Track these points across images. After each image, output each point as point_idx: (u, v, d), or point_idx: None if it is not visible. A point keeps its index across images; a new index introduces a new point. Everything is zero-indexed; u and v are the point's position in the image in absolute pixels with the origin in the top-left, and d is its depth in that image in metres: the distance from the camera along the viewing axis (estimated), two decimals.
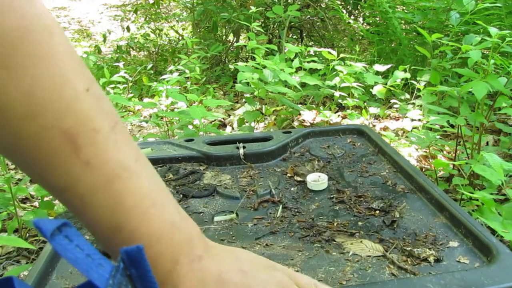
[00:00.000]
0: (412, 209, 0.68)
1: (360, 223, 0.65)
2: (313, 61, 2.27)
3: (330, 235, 0.65)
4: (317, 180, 0.90)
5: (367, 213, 0.69)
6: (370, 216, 0.68)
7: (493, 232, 0.95)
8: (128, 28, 4.32)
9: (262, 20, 3.22)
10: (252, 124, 2.13)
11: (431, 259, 0.58)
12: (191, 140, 1.13)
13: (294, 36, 3.84)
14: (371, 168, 0.88)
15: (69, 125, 0.32)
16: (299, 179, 0.97)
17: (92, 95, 0.35)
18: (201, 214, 0.89)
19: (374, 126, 2.21)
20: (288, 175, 1.00)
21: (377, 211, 0.69)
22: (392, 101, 2.31)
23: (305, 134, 1.05)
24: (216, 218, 0.87)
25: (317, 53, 2.85)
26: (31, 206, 1.65)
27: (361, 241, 0.62)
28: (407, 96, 2.36)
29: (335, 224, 0.67)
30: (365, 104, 2.30)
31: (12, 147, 0.33)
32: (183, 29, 4.80)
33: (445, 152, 1.83)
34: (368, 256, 0.59)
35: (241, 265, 0.41)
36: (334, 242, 0.63)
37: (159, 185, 0.38)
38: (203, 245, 0.40)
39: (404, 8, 2.92)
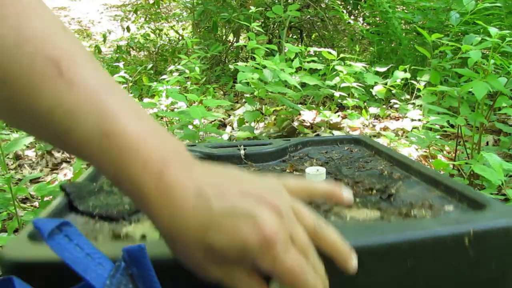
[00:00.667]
0: (408, 188, 0.69)
1: (357, 199, 0.66)
2: (313, 61, 2.28)
3: (328, 207, 0.65)
4: (316, 172, 0.90)
5: (364, 193, 0.70)
6: (367, 195, 0.69)
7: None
8: (128, 28, 4.32)
9: (262, 20, 3.22)
10: (252, 124, 2.13)
11: (428, 217, 0.58)
12: (193, 145, 1.14)
13: (294, 36, 3.84)
14: (368, 165, 0.89)
15: (52, 51, 0.36)
16: (298, 174, 0.97)
17: (68, 31, 0.39)
18: None
19: (374, 126, 2.21)
20: (288, 171, 1.00)
21: (374, 191, 0.70)
22: (392, 101, 2.32)
23: (304, 142, 1.07)
24: None
25: (317, 53, 2.85)
26: (31, 206, 1.65)
27: (358, 209, 0.63)
28: (407, 96, 2.36)
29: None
30: (365, 104, 2.30)
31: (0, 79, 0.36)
32: (183, 29, 4.80)
33: (445, 152, 1.83)
34: (365, 219, 0.59)
35: (242, 175, 0.41)
36: (333, 211, 0.64)
37: (137, 104, 0.41)
38: (191, 156, 0.40)
39: (404, 8, 2.92)
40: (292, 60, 2.19)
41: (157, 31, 4.33)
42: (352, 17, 3.77)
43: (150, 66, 3.62)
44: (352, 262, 0.41)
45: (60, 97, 0.36)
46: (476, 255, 0.46)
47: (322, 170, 0.90)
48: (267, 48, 2.22)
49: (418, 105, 2.15)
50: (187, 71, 2.51)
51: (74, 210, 0.59)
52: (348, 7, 3.69)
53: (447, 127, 1.60)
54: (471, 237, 0.46)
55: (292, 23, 3.39)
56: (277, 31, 3.36)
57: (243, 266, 0.38)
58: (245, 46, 2.47)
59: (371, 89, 2.32)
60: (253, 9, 2.58)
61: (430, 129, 1.82)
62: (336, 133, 2.06)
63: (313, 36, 3.84)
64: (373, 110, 2.26)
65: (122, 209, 0.59)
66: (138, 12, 4.61)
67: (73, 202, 0.60)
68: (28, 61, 0.35)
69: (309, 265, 0.38)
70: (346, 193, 0.47)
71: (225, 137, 2.09)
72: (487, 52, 1.49)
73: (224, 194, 0.37)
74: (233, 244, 0.36)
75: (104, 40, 4.22)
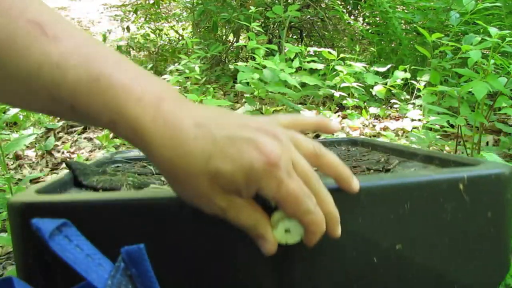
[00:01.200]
0: (405, 167, 0.71)
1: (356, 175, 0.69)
2: (313, 61, 2.28)
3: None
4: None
5: (363, 173, 0.72)
6: (366, 174, 0.71)
7: None
8: (128, 28, 4.32)
9: (262, 20, 3.22)
10: None
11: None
12: None
13: (294, 36, 3.84)
14: (366, 157, 0.91)
15: (34, 15, 0.37)
16: None
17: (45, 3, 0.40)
18: None
19: (374, 126, 2.21)
20: None
21: (372, 171, 0.71)
22: (392, 101, 2.32)
23: None
24: None
25: (317, 53, 2.85)
26: None
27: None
28: (407, 96, 2.36)
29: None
30: (365, 104, 2.30)
31: None
32: (183, 29, 4.80)
33: (445, 152, 1.83)
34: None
35: (236, 113, 0.41)
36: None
37: (123, 55, 0.41)
38: (183, 96, 0.40)
39: (404, 8, 2.92)
40: (292, 60, 2.19)
41: (157, 31, 4.33)
42: (352, 17, 3.77)
43: (150, 66, 3.62)
44: (354, 182, 0.43)
45: (46, 51, 0.36)
46: (472, 201, 0.48)
47: None
48: (267, 48, 2.22)
49: (418, 105, 2.15)
50: (187, 71, 2.51)
51: (78, 185, 0.60)
52: (348, 7, 3.69)
53: (447, 127, 1.60)
54: (465, 182, 0.47)
55: (292, 23, 3.39)
56: (277, 31, 3.36)
57: (248, 194, 0.38)
58: (245, 46, 2.47)
59: (371, 89, 2.32)
60: (253, 9, 2.58)
61: (430, 129, 1.82)
62: (336, 133, 2.06)
63: (313, 36, 3.85)
64: (373, 110, 2.26)
65: (126, 186, 0.59)
66: (138, 12, 4.61)
67: (78, 178, 0.60)
68: (10, 26, 0.36)
69: (312, 193, 0.38)
70: (334, 123, 0.48)
71: None
72: (487, 52, 1.49)
73: (223, 125, 0.37)
74: (239, 166, 0.36)
75: (104, 40, 4.22)
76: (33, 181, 1.90)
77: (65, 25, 0.39)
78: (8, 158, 2.10)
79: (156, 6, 4.41)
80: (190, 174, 0.36)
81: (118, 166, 0.92)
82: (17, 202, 0.44)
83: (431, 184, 0.47)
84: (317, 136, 1.95)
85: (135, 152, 1.17)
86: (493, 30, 1.43)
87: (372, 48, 2.89)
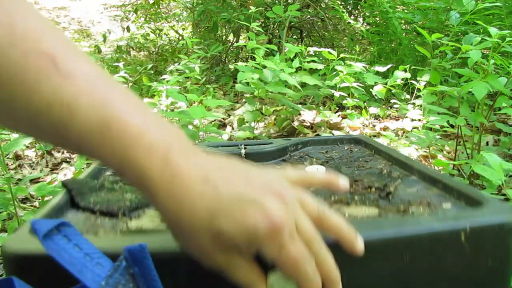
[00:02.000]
0: (407, 186, 0.70)
1: (356, 197, 0.67)
2: (313, 61, 2.28)
3: (327, 204, 0.65)
4: (316, 171, 0.91)
5: (363, 191, 0.71)
6: (366, 193, 0.70)
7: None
8: (128, 28, 4.32)
9: (262, 20, 3.22)
10: (252, 124, 2.13)
11: (426, 214, 0.59)
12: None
13: (294, 36, 3.84)
14: (368, 164, 0.90)
15: (47, 47, 0.36)
16: None
17: (59, 29, 0.40)
18: None
19: (374, 126, 2.21)
20: None
21: (373, 189, 0.71)
22: (392, 101, 2.32)
23: (304, 141, 1.09)
24: None
25: (317, 53, 2.85)
26: (31, 206, 1.65)
27: (357, 206, 0.63)
28: (407, 96, 2.36)
29: (332, 199, 0.68)
30: (365, 104, 2.30)
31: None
32: (183, 29, 4.80)
33: (445, 152, 1.83)
34: (364, 216, 0.60)
35: (245, 165, 0.41)
36: (332, 208, 0.64)
37: (136, 96, 0.40)
38: (194, 145, 0.40)
39: (404, 8, 2.92)
40: (292, 60, 2.19)
41: (157, 31, 4.33)
42: (352, 17, 3.77)
43: (150, 66, 3.62)
44: (359, 244, 0.42)
45: (58, 90, 0.35)
46: (473, 251, 0.47)
47: (322, 169, 0.91)
48: (267, 48, 2.21)
49: (418, 105, 2.15)
50: (187, 71, 2.51)
51: (75, 206, 0.60)
52: (348, 7, 3.68)
53: (447, 127, 1.60)
54: (467, 233, 0.46)
55: (292, 23, 3.39)
56: (277, 31, 3.36)
57: (248, 254, 0.38)
58: (245, 46, 2.47)
59: (371, 89, 2.32)
60: (253, 9, 2.58)
61: (430, 129, 1.82)
62: (336, 133, 2.06)
63: (313, 36, 3.85)
64: (373, 110, 2.26)
65: (123, 205, 0.59)
66: (138, 12, 4.60)
67: (75, 198, 0.60)
68: (23, 60, 0.35)
69: (312, 257, 0.38)
70: (343, 181, 0.48)
71: (225, 137, 2.09)
72: (487, 52, 1.48)
73: (231, 182, 0.37)
74: (242, 229, 0.36)
75: (104, 40, 4.22)
76: (33, 181, 1.90)
77: (78, 58, 0.38)
78: (8, 158, 2.10)
79: (156, 6, 4.41)
80: (193, 230, 0.37)
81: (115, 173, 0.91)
82: (11, 253, 0.42)
83: (431, 236, 0.46)
84: (317, 135, 1.95)
85: None
86: (493, 30, 1.43)
87: (372, 48, 2.89)
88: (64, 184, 0.62)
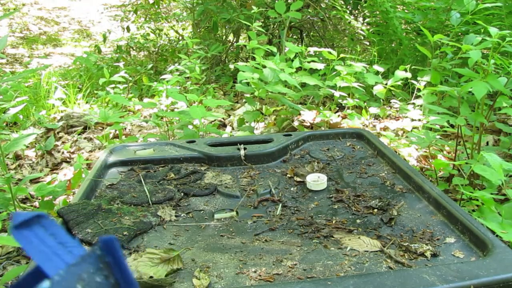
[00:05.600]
0: (410, 208, 0.69)
1: (358, 221, 0.67)
2: (313, 61, 2.27)
3: (328, 232, 0.65)
4: (317, 180, 0.91)
5: (365, 212, 0.70)
6: (368, 214, 0.69)
7: (494, 232, 0.94)
8: (128, 28, 4.32)
9: (262, 20, 3.22)
10: (252, 124, 2.13)
11: (428, 254, 0.58)
12: (193, 141, 1.14)
13: (294, 36, 3.84)
14: (370, 169, 0.89)
15: None
16: (298, 179, 0.97)
17: None
18: (202, 211, 0.90)
19: (374, 126, 2.20)
20: (288, 175, 1.00)
21: (375, 210, 0.70)
22: (392, 101, 2.31)
23: (305, 137, 1.07)
24: (217, 216, 0.88)
25: (317, 53, 2.85)
26: (31, 206, 1.65)
27: (359, 237, 0.62)
28: (407, 96, 2.36)
29: (333, 222, 0.68)
30: (365, 104, 2.30)
31: None
32: (183, 29, 4.80)
33: (445, 152, 1.83)
34: (365, 251, 0.59)
35: None
36: (333, 238, 0.63)
37: None
38: None
39: (404, 8, 2.92)
40: (292, 60, 2.19)
41: (157, 31, 4.33)
42: (352, 17, 3.77)
43: (150, 66, 3.61)
44: None
45: None
46: None
47: (323, 178, 0.90)
48: (267, 48, 2.21)
49: (418, 105, 2.15)
50: (187, 71, 2.51)
51: (73, 235, 0.60)
52: (348, 7, 3.68)
53: (447, 127, 1.60)
54: None
55: (292, 23, 3.38)
56: (277, 31, 3.36)
57: None
58: (245, 46, 2.47)
59: (371, 89, 2.32)
60: (255, 9, 2.58)
61: (430, 129, 1.82)
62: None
63: (313, 36, 3.85)
64: (373, 110, 2.26)
65: (121, 236, 0.59)
66: (138, 12, 4.60)
67: (72, 230, 0.60)
68: None
69: None
70: None
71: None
72: (487, 52, 1.48)
73: None
74: None
75: (104, 40, 4.21)
76: (33, 181, 1.90)
77: None
78: (8, 158, 2.10)
79: (156, 6, 4.40)
80: None
81: (112, 185, 0.91)
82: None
83: None
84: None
85: (129, 150, 1.16)
86: (493, 30, 1.43)
87: (372, 48, 2.89)
88: (60, 214, 0.63)
